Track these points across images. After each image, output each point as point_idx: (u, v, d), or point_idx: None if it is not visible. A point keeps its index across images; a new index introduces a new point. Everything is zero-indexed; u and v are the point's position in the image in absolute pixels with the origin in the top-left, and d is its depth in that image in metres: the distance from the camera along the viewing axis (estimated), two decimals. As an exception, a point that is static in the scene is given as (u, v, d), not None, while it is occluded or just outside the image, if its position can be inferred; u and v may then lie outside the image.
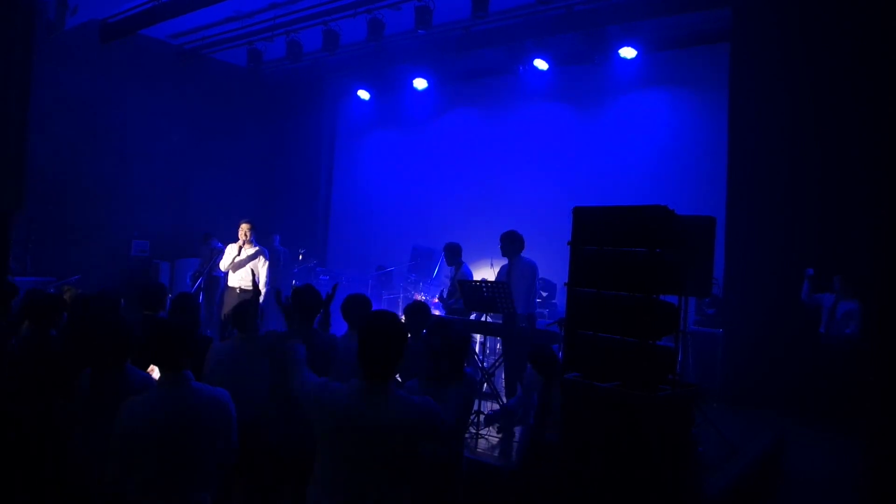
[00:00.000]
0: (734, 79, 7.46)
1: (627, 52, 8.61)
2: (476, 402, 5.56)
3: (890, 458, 5.19)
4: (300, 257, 8.13)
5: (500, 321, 6.19)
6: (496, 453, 5.00)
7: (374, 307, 4.31)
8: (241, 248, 7.29)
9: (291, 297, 3.92)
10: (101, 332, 3.12)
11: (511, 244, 6.46)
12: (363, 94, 11.66)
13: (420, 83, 10.58)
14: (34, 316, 3.93)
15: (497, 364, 6.62)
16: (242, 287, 7.27)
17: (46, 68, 8.50)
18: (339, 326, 4.25)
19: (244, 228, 7.29)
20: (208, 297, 9.40)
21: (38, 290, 5.16)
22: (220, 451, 2.66)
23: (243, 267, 7.29)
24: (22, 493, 3.22)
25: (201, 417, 2.58)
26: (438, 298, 7.42)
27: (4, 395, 3.49)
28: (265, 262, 7.43)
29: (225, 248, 8.23)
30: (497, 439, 5.30)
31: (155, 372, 3.62)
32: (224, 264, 7.37)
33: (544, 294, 8.90)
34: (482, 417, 5.49)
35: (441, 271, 9.47)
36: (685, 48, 8.74)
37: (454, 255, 7.19)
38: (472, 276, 7.27)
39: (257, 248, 7.42)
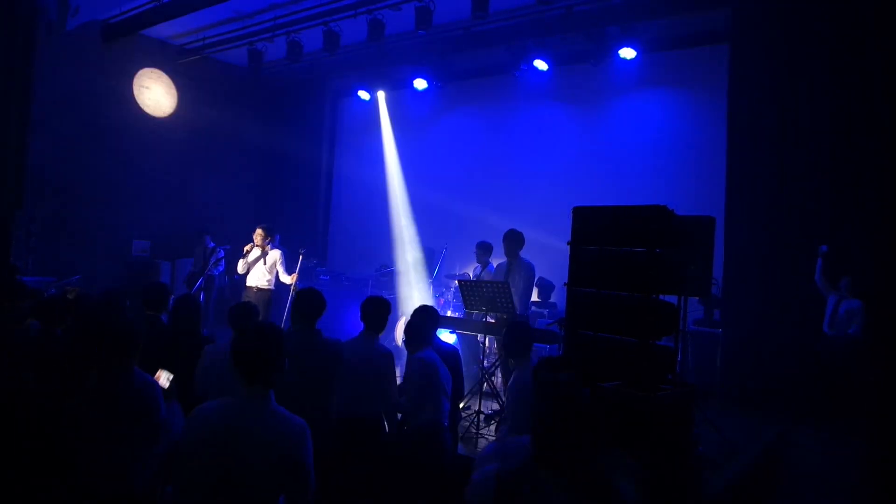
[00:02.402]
0: (733, 79, 7.47)
1: (627, 53, 8.61)
2: (476, 401, 5.58)
3: (890, 459, 5.20)
4: (300, 257, 8.17)
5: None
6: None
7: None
8: (248, 251, 7.66)
9: (294, 299, 3.96)
10: (108, 332, 3.12)
11: (513, 243, 6.48)
12: (363, 95, 11.68)
13: (420, 83, 10.59)
14: (42, 316, 3.95)
15: (496, 364, 6.63)
16: (259, 287, 7.64)
17: (48, 68, 8.52)
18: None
19: (259, 233, 7.69)
20: (207, 296, 9.44)
21: (39, 290, 5.20)
22: (287, 489, 2.29)
23: (254, 267, 7.66)
24: (29, 492, 3.23)
25: (271, 445, 2.22)
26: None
27: (13, 394, 3.51)
28: (277, 260, 7.75)
29: (217, 247, 8.52)
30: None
31: (161, 378, 3.64)
32: (239, 268, 7.75)
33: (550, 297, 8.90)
34: (482, 417, 5.51)
35: (441, 270, 9.48)
36: (684, 49, 8.74)
37: (486, 253, 7.22)
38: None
39: (259, 248, 7.68)
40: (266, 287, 7.66)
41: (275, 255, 7.73)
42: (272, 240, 7.85)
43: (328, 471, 3.77)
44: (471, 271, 9.02)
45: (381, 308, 4.12)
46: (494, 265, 6.99)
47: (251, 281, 7.70)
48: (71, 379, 3.35)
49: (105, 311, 4.21)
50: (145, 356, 3.45)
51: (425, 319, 4.24)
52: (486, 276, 7.03)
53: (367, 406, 3.95)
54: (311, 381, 3.70)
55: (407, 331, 4.19)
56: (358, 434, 3.91)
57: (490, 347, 7.03)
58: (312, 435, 3.46)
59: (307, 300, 3.88)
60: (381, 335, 4.16)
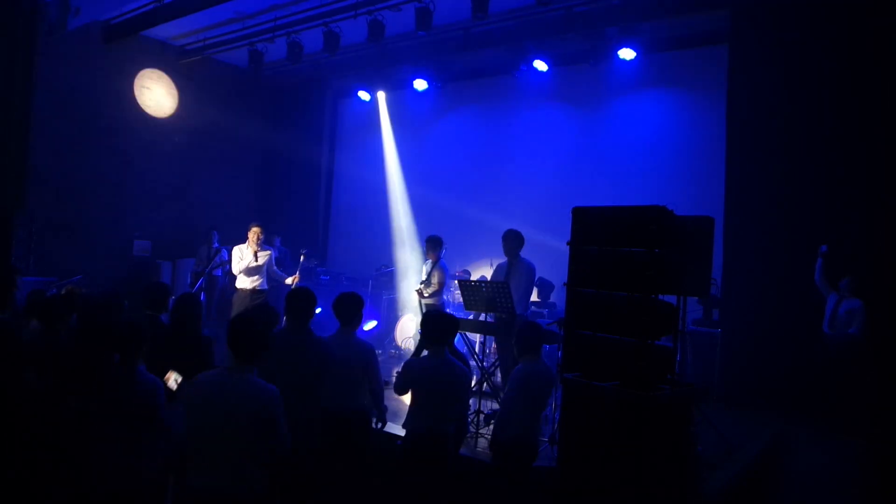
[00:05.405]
0: (732, 80, 7.48)
1: (626, 54, 8.62)
2: (475, 401, 5.59)
3: (890, 458, 5.22)
4: (301, 258, 8.17)
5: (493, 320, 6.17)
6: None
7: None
8: (256, 253, 7.27)
9: (286, 299, 3.99)
10: (112, 332, 3.16)
11: (513, 243, 6.49)
12: (363, 95, 11.70)
13: (420, 84, 10.61)
14: (43, 315, 3.96)
15: (496, 364, 6.65)
16: (256, 287, 7.32)
17: (49, 69, 8.54)
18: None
19: (256, 232, 7.31)
20: (209, 296, 9.44)
21: (40, 290, 5.20)
22: (267, 439, 2.87)
23: (258, 272, 7.36)
24: (33, 490, 3.26)
25: (249, 405, 2.82)
26: (417, 293, 7.39)
27: (17, 394, 3.53)
28: (272, 258, 7.59)
29: (222, 248, 8.24)
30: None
31: (170, 380, 3.67)
32: (237, 269, 7.34)
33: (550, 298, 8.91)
34: (482, 417, 5.52)
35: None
36: (684, 49, 8.76)
37: (435, 247, 7.18)
38: (448, 271, 7.31)
39: (269, 251, 7.50)
40: (262, 289, 7.34)
41: (269, 253, 7.47)
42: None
43: (317, 464, 3.81)
44: (471, 269, 9.03)
45: (353, 303, 4.20)
46: (494, 266, 7.00)
47: (245, 283, 7.30)
48: (73, 378, 3.36)
49: (106, 312, 4.22)
50: (145, 356, 3.46)
51: (437, 324, 4.15)
52: (435, 272, 7.09)
53: (352, 400, 4.02)
54: (300, 378, 3.74)
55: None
56: (345, 428, 3.97)
57: (490, 347, 7.04)
58: (301, 430, 3.51)
59: (294, 300, 3.94)
60: (356, 329, 4.24)
